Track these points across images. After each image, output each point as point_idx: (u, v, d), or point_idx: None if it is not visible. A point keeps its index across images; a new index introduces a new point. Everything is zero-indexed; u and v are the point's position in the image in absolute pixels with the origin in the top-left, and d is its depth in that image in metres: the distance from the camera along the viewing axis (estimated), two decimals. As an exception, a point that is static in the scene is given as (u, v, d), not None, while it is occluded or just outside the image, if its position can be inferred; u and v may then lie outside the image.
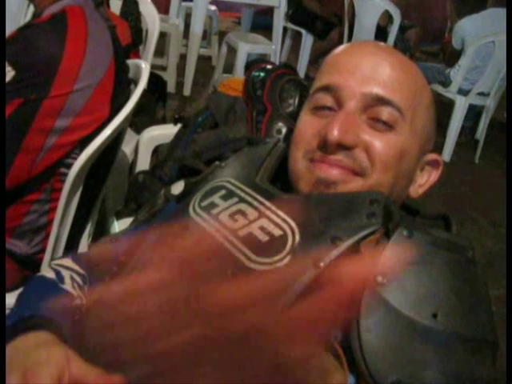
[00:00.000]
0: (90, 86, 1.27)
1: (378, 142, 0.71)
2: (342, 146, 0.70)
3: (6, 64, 1.17)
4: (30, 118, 1.22)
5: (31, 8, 1.76)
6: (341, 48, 0.79)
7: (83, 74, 1.25)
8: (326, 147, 0.71)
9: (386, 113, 0.71)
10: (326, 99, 0.74)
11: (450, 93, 4.05)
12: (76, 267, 0.82)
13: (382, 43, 0.83)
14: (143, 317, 0.59)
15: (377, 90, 0.71)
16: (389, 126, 0.71)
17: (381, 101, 0.71)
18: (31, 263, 1.36)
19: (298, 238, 0.62)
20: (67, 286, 0.77)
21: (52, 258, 1.35)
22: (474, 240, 2.94)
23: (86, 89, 1.26)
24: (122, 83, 1.39)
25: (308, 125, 0.75)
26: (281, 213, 0.65)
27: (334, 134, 0.69)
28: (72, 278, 0.79)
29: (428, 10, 7.34)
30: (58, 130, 1.25)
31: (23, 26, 1.29)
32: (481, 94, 4.05)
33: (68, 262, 0.83)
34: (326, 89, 0.74)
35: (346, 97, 0.72)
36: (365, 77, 0.72)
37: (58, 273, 0.79)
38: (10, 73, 1.18)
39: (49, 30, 1.23)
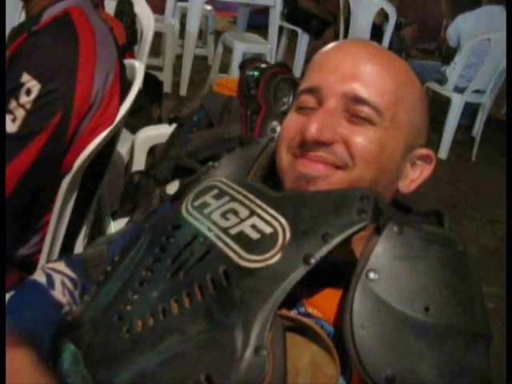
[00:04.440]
0: (103, 87, 1.27)
1: (357, 137, 0.71)
2: (320, 143, 0.71)
3: (29, 77, 1.13)
4: (65, 132, 1.20)
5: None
6: (324, 48, 0.80)
7: (98, 76, 1.24)
8: (305, 144, 0.72)
9: (363, 111, 0.72)
10: (309, 100, 0.75)
11: (446, 90, 4.05)
12: (68, 271, 0.82)
13: (365, 40, 0.83)
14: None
15: (355, 89, 0.72)
16: (368, 121, 0.72)
17: (358, 100, 0.72)
18: (28, 264, 1.36)
19: (288, 235, 0.63)
20: (57, 291, 0.78)
21: (47, 260, 1.35)
22: (471, 237, 2.94)
23: (100, 91, 1.26)
24: (125, 83, 1.39)
25: (291, 122, 0.76)
26: (272, 211, 0.66)
27: (311, 131, 0.71)
28: (63, 284, 0.80)
29: (424, 7, 7.35)
30: (78, 135, 1.26)
31: (28, 34, 1.21)
32: (477, 91, 4.05)
33: (61, 265, 0.84)
34: (309, 90, 0.76)
35: (326, 96, 0.73)
36: (344, 75, 0.73)
37: (49, 277, 0.80)
38: (35, 87, 1.14)
39: (59, 34, 1.21)
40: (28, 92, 1.14)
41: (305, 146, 0.72)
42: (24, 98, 1.14)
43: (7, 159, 1.15)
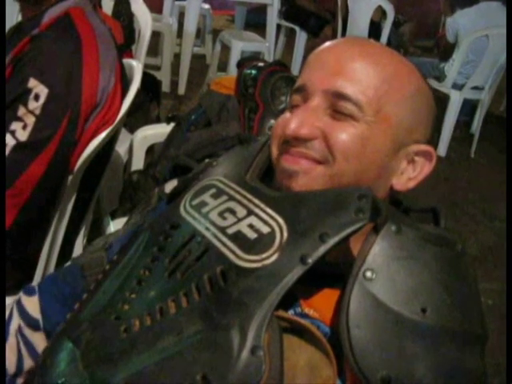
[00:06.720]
0: (107, 86, 1.27)
1: (337, 132, 0.71)
2: (299, 139, 0.71)
3: (37, 82, 1.13)
4: (74, 134, 1.20)
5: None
6: (317, 49, 0.80)
7: (102, 76, 1.24)
8: (287, 141, 0.73)
9: (345, 107, 0.71)
10: (298, 99, 0.76)
11: (444, 87, 4.05)
12: (31, 310, 0.81)
13: (359, 38, 0.82)
14: None
15: (337, 85, 0.72)
16: (350, 117, 0.71)
17: (340, 96, 0.71)
18: (27, 265, 1.37)
19: (286, 234, 0.63)
20: (8, 345, 0.77)
21: (46, 260, 1.35)
22: (470, 234, 2.94)
23: (105, 91, 1.26)
24: (125, 83, 1.40)
25: (281, 120, 0.77)
26: (269, 210, 0.66)
27: (290, 127, 0.71)
28: (18, 329, 0.79)
29: (422, 4, 7.35)
30: (83, 135, 1.26)
31: (30, 37, 1.21)
32: (475, 88, 4.05)
33: (32, 302, 0.82)
34: (297, 90, 0.76)
35: (311, 93, 0.74)
36: (328, 72, 0.73)
37: (7, 323, 0.79)
38: (42, 92, 1.13)
39: (61, 36, 1.21)
40: (36, 97, 1.13)
41: (288, 143, 0.73)
42: (33, 104, 1.13)
43: (21, 168, 1.14)
